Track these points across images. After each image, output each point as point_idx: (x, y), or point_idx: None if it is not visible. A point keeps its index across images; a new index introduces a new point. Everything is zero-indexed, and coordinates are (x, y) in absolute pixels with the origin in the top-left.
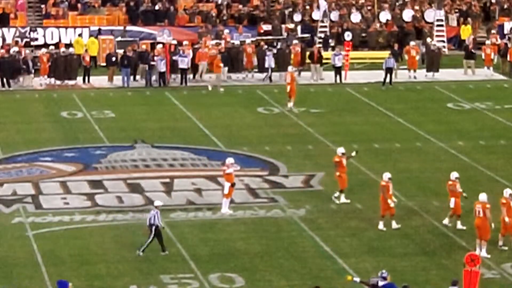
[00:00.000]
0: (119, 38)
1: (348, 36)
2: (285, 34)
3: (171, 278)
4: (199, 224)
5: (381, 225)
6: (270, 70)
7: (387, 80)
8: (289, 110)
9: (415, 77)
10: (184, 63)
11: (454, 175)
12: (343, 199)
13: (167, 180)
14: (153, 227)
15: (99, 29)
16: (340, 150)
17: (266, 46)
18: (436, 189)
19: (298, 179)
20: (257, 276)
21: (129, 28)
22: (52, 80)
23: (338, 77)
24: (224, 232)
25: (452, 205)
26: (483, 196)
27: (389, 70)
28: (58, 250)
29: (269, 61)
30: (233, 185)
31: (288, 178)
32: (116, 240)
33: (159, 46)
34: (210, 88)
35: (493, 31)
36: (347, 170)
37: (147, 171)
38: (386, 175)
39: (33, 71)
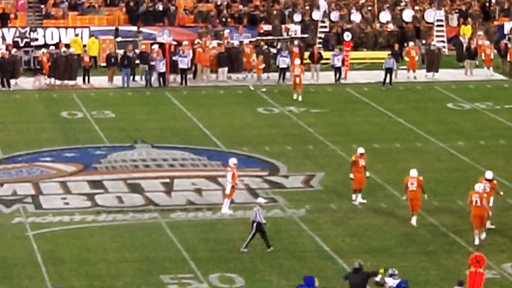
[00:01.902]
0: (119, 39)
1: (347, 36)
2: (291, 33)
3: (171, 278)
4: (199, 224)
5: (413, 221)
6: (281, 71)
7: (387, 80)
8: (295, 100)
9: (414, 77)
10: (184, 63)
11: (491, 174)
12: (359, 199)
13: (167, 180)
14: (255, 224)
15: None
16: (360, 150)
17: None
18: (436, 189)
19: (298, 179)
20: (257, 276)
21: (128, 28)
22: (52, 80)
23: (337, 77)
24: (224, 232)
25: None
26: (479, 187)
27: (389, 70)
28: (58, 250)
29: (282, 62)
30: (234, 185)
31: (288, 178)
32: (116, 240)
33: (155, 46)
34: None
35: (479, 33)
36: (363, 170)
37: (147, 171)
38: (415, 172)
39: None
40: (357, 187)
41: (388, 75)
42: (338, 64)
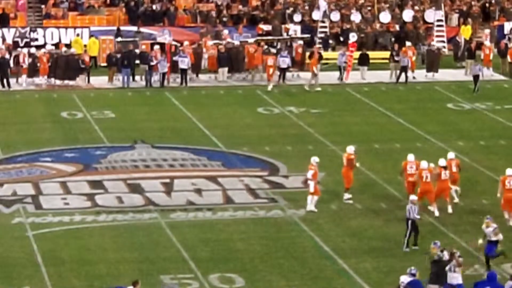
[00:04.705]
0: (119, 39)
1: (353, 37)
2: (291, 33)
3: (171, 279)
4: (199, 225)
5: (412, 197)
6: (281, 71)
7: (402, 78)
8: (269, 91)
9: (414, 78)
10: (184, 63)
11: (444, 161)
12: (346, 196)
13: (167, 180)
14: (409, 222)
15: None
16: (352, 148)
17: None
18: None
19: (298, 179)
20: (257, 276)
21: (129, 28)
22: (52, 80)
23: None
24: (224, 232)
25: None
26: (424, 163)
27: (404, 69)
28: (58, 250)
29: (282, 62)
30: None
31: (288, 179)
32: (116, 241)
33: (156, 47)
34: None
35: (483, 30)
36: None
37: (147, 171)
38: (412, 156)
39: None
40: (349, 185)
41: (403, 74)
42: (345, 64)
